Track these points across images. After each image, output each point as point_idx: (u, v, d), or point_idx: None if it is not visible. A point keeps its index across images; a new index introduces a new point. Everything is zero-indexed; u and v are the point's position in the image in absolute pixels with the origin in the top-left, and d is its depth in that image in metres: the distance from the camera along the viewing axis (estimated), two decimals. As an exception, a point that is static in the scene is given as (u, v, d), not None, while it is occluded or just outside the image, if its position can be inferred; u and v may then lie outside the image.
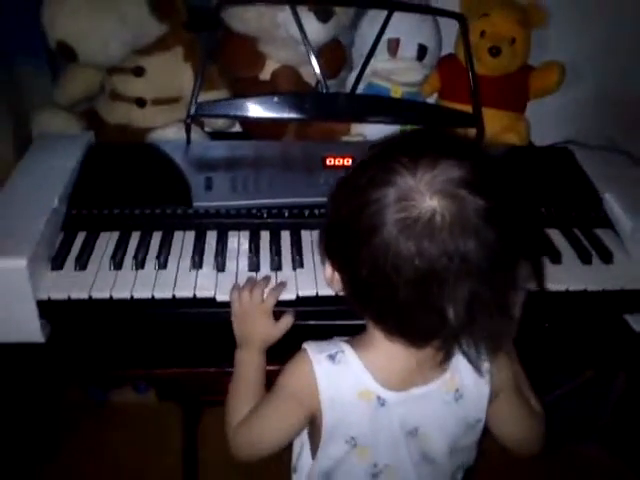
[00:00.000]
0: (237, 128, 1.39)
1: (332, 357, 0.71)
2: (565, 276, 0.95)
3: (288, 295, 0.89)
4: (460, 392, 0.72)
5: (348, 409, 0.71)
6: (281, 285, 0.89)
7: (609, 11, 1.40)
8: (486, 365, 0.71)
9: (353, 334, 0.75)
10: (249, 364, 0.84)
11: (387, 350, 0.69)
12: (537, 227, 0.94)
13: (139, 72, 1.24)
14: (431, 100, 1.42)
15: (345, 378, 0.70)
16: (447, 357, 0.67)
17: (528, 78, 1.36)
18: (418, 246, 0.58)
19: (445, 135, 0.68)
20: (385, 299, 0.62)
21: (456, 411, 0.73)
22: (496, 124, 1.33)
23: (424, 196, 0.58)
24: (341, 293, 0.70)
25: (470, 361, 0.66)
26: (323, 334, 0.80)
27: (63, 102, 1.30)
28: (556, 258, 0.97)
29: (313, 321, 0.92)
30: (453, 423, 0.74)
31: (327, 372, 0.70)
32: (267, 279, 0.90)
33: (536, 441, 0.81)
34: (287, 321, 0.87)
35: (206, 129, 1.32)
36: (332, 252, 0.69)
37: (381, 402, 0.71)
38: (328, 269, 0.69)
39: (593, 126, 1.42)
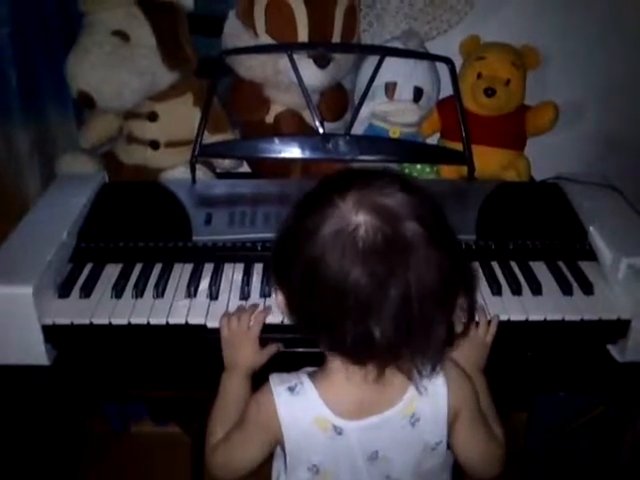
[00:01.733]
0: (246, 168, 1.47)
1: (291, 389, 0.75)
2: (545, 306, 0.97)
3: (274, 319, 0.94)
4: (416, 416, 0.74)
5: (307, 437, 0.75)
6: (267, 311, 0.94)
7: (603, 56, 1.45)
8: (442, 388, 0.74)
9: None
10: (233, 387, 0.88)
11: (343, 381, 0.73)
12: (463, 256, 0.93)
13: (153, 117, 1.33)
14: (432, 140, 1.47)
15: (302, 408, 0.74)
16: (379, 374, 0.70)
17: (524, 117, 1.40)
18: (347, 266, 0.62)
19: (371, 170, 0.72)
20: (318, 317, 0.66)
21: (413, 435, 0.75)
22: (495, 162, 1.37)
23: (353, 219, 0.62)
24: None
25: (410, 378, 0.70)
26: (306, 361, 0.84)
27: (86, 145, 1.40)
28: (537, 289, 1.00)
29: (301, 348, 0.96)
30: (412, 446, 0.76)
31: (286, 402, 0.74)
32: (255, 306, 0.95)
33: (493, 466, 0.82)
34: (271, 349, 0.93)
35: (218, 170, 1.40)
36: (281, 278, 0.72)
37: (338, 431, 0.74)
38: (279, 296, 0.74)
39: (591, 164, 1.46)
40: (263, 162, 1.38)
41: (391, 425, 0.74)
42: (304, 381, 0.76)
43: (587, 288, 1.00)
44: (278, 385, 0.76)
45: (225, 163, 1.37)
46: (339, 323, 0.65)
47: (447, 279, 0.64)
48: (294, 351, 0.95)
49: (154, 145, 1.35)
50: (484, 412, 0.82)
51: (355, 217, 0.62)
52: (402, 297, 0.62)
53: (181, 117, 1.35)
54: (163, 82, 1.30)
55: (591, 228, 1.08)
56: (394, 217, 0.62)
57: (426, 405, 0.74)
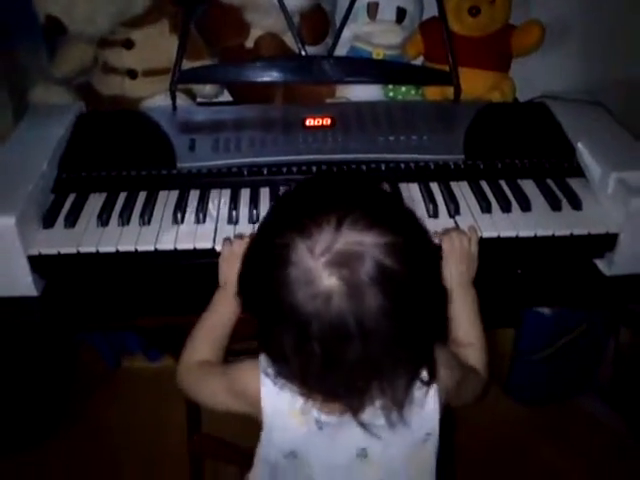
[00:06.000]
0: (227, 97, 1.43)
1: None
2: (534, 222, 0.98)
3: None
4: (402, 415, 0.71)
5: (285, 424, 0.73)
6: None
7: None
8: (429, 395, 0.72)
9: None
10: (225, 305, 0.87)
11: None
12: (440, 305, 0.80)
13: (129, 45, 1.28)
14: (417, 62, 1.44)
15: (285, 400, 0.72)
16: (356, 410, 0.68)
17: (510, 38, 1.37)
18: (319, 318, 0.59)
19: (352, 189, 0.66)
20: (291, 363, 0.64)
21: (394, 435, 0.72)
22: (480, 84, 1.34)
23: (322, 276, 0.59)
24: None
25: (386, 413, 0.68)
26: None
27: (59, 76, 1.35)
28: (527, 206, 1.00)
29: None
30: (400, 443, 0.74)
31: (270, 392, 0.72)
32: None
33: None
34: None
35: (198, 100, 1.36)
36: (248, 311, 0.71)
37: (319, 425, 0.72)
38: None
39: (577, 83, 1.44)
40: (244, 88, 1.34)
41: (376, 421, 0.71)
42: None
43: (576, 204, 1.01)
44: (264, 372, 0.72)
45: (206, 90, 1.32)
46: (306, 368, 0.63)
47: (411, 336, 0.63)
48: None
49: (132, 74, 1.30)
50: (468, 327, 0.83)
51: (327, 281, 0.59)
52: (364, 346, 0.60)
53: (158, 45, 1.29)
54: (136, 6, 1.25)
55: (579, 145, 1.07)
56: (360, 281, 0.58)
57: (415, 401, 0.71)
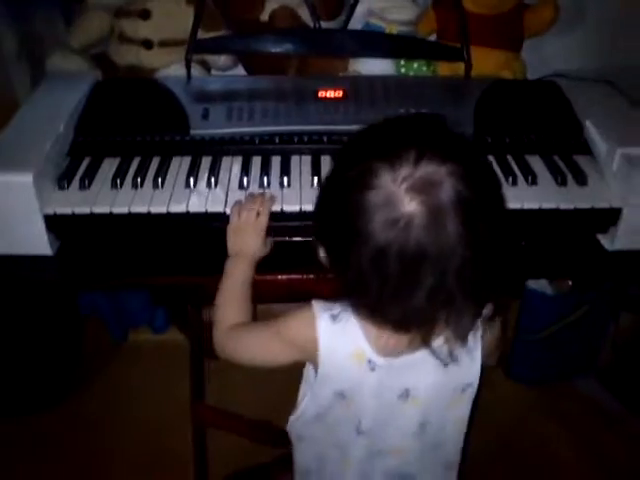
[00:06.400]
0: (240, 71, 1.45)
1: (334, 317, 0.76)
2: (540, 195, 0.99)
3: (274, 208, 0.95)
4: (450, 358, 0.75)
5: (340, 365, 0.77)
6: (273, 199, 0.95)
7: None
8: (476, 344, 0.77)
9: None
10: (240, 274, 0.90)
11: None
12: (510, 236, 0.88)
13: (145, 15, 1.31)
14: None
15: (342, 337, 0.76)
16: (426, 340, 0.72)
17: (523, 16, 1.38)
18: (397, 244, 0.62)
19: (427, 129, 0.69)
20: (365, 289, 0.67)
21: (444, 376, 0.77)
22: (491, 62, 1.36)
23: (404, 200, 0.61)
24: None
25: (444, 347, 0.73)
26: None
27: (76, 45, 1.37)
28: (533, 180, 1.02)
29: (298, 237, 0.99)
30: (443, 387, 0.79)
31: (327, 328, 0.76)
32: (262, 195, 0.96)
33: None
34: (271, 242, 0.95)
35: (212, 72, 1.38)
36: (323, 240, 0.74)
37: (371, 366, 0.76)
38: (321, 252, 0.74)
39: (590, 64, 1.45)
40: (258, 61, 1.36)
41: (424, 365, 0.76)
42: (347, 310, 0.75)
43: (581, 179, 1.02)
44: (322, 311, 0.77)
45: (220, 62, 1.34)
46: (391, 296, 0.66)
47: (482, 267, 0.65)
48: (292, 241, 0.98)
49: (147, 44, 1.33)
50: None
51: (408, 206, 0.62)
52: (440, 273, 0.63)
53: (174, 15, 1.32)
54: (155, -24, 1.27)
55: (587, 122, 1.09)
56: (441, 206, 0.62)
57: (461, 349, 0.75)
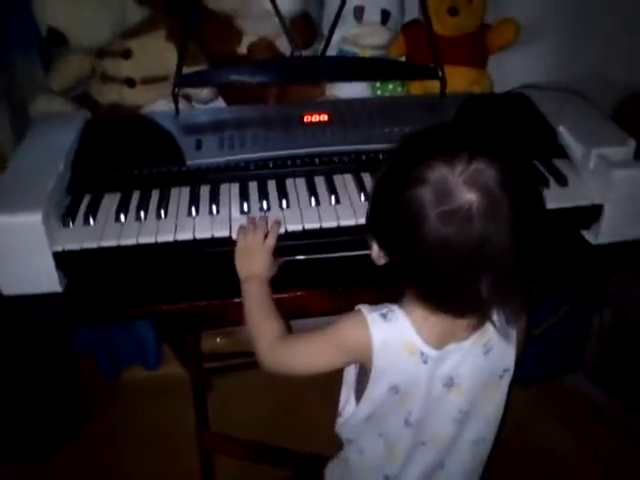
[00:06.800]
0: (220, 103, 1.49)
1: (384, 315, 0.80)
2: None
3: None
4: (489, 346, 0.82)
5: (395, 360, 0.80)
6: (278, 224, 0.99)
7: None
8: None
9: (339, 267, 0.91)
10: (259, 293, 0.93)
11: (426, 313, 0.79)
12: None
13: (127, 54, 1.34)
14: (399, 63, 1.52)
15: (395, 332, 0.80)
16: (480, 323, 0.79)
17: (485, 36, 1.46)
18: (458, 233, 0.68)
19: (476, 133, 0.77)
20: (430, 280, 0.73)
21: (486, 362, 0.83)
22: (462, 80, 1.44)
23: (462, 190, 0.68)
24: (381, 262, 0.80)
25: (497, 329, 0.78)
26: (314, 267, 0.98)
27: (57, 87, 1.40)
28: (544, 184, 1.08)
29: (301, 256, 1.02)
30: (482, 373, 0.84)
31: (379, 326, 0.80)
32: (265, 218, 0.99)
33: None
34: (279, 262, 0.98)
35: (193, 104, 1.42)
36: (379, 236, 0.79)
37: (424, 358, 0.80)
38: (375, 248, 0.80)
39: (551, 76, 1.54)
40: (237, 92, 1.41)
41: (466, 354, 0.81)
42: (394, 309, 0.81)
43: (562, 180, 1.09)
44: (371, 312, 0.81)
45: (202, 95, 1.38)
46: (453, 285, 0.72)
47: (533, 245, 0.73)
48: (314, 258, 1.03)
49: (130, 82, 1.36)
50: None
51: (466, 195, 0.68)
52: (504, 259, 0.69)
53: (155, 53, 1.36)
54: (133, 17, 1.31)
55: (560, 128, 1.16)
56: (495, 197, 0.68)
57: (497, 337, 0.81)
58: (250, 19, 1.36)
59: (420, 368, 0.81)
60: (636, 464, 1.64)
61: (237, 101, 1.43)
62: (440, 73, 1.26)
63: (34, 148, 1.12)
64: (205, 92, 1.38)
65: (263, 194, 1.06)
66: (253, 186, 1.09)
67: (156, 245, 0.98)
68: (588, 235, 1.09)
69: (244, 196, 1.06)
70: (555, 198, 1.05)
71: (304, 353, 0.87)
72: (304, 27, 1.41)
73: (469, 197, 0.67)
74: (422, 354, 0.80)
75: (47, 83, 1.41)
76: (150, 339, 1.87)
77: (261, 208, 1.04)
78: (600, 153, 1.06)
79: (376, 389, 0.83)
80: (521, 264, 0.71)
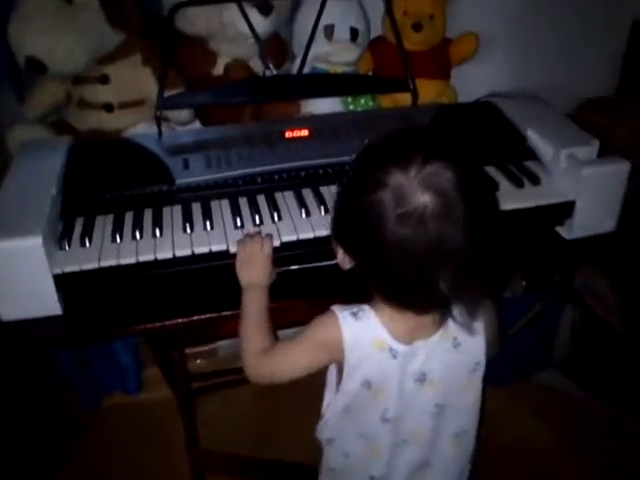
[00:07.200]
0: (197, 124, 1.52)
1: (354, 314, 0.85)
2: (503, 199, 1.11)
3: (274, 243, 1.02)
4: (458, 340, 0.86)
5: (365, 355, 0.85)
6: (271, 235, 1.02)
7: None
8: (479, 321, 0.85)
9: (334, 274, 0.91)
10: (258, 302, 0.96)
11: (393, 311, 0.83)
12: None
13: (104, 80, 1.36)
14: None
15: (364, 330, 0.84)
16: (442, 319, 0.83)
17: (448, 49, 1.54)
18: (414, 234, 0.72)
19: (429, 137, 0.83)
20: (392, 279, 0.78)
21: (456, 357, 0.87)
22: (429, 92, 1.50)
23: (416, 193, 0.72)
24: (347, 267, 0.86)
25: (458, 322, 0.82)
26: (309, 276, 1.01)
27: (32, 116, 1.41)
28: (495, 186, 1.14)
29: (295, 265, 1.06)
30: (455, 368, 0.88)
31: (349, 324, 0.84)
32: (261, 233, 1.03)
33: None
34: (277, 269, 1.01)
35: (172, 126, 1.44)
36: (343, 241, 0.84)
37: (393, 354, 0.84)
38: (340, 253, 0.85)
39: (508, 85, 1.63)
40: (213, 113, 1.44)
41: (436, 348, 0.86)
42: (365, 308, 0.86)
43: (535, 180, 1.16)
44: (342, 311, 0.86)
45: (181, 117, 1.41)
46: (413, 283, 0.76)
47: (488, 242, 0.77)
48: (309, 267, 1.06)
49: (108, 108, 1.38)
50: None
51: (421, 197, 0.72)
52: (460, 256, 0.74)
53: (132, 77, 1.38)
54: (110, 43, 1.33)
55: (528, 132, 1.23)
56: (449, 197, 0.72)
57: (464, 330, 0.84)
58: (224, 41, 1.39)
59: (390, 363, 0.85)
60: (613, 454, 1.72)
61: (213, 122, 1.46)
62: (411, 85, 1.32)
63: (23, 174, 1.13)
64: (184, 114, 1.40)
65: (254, 208, 1.10)
66: (243, 201, 1.12)
67: (156, 262, 1.01)
68: (562, 231, 1.16)
69: (236, 211, 1.09)
70: (530, 197, 1.13)
71: (289, 362, 0.91)
72: (276, 47, 1.46)
73: (423, 199, 0.72)
74: (391, 349, 0.84)
75: (22, 112, 1.42)
76: (130, 364, 1.86)
77: (254, 221, 1.07)
78: (569, 153, 1.13)
79: (350, 383, 0.87)
80: (477, 261, 0.75)
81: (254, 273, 0.98)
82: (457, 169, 0.74)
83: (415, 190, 0.72)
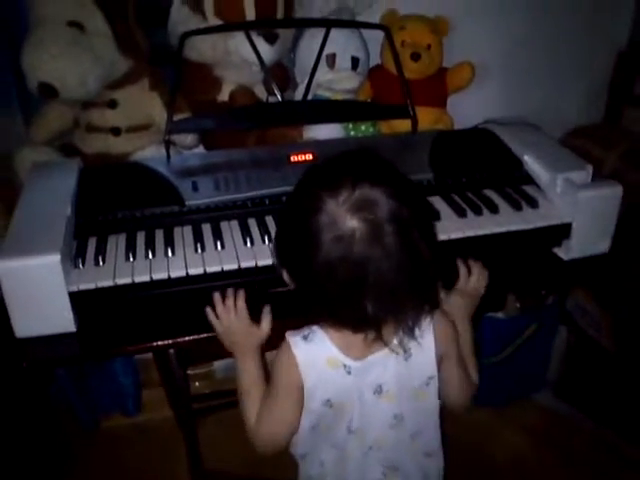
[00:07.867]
0: (201, 148, 1.55)
1: (305, 337, 0.88)
2: (503, 221, 1.16)
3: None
4: (408, 353, 0.88)
5: (321, 375, 0.87)
6: (241, 290, 0.99)
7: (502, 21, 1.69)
8: (428, 332, 0.89)
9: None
10: (250, 370, 0.97)
11: (335, 331, 0.87)
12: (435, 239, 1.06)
13: (113, 105, 1.39)
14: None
15: (317, 350, 0.87)
16: (377, 338, 0.83)
17: (445, 78, 1.60)
18: (341, 258, 0.75)
19: (360, 160, 0.83)
20: (322, 299, 0.81)
21: (408, 369, 0.89)
22: (426, 119, 1.55)
23: (345, 218, 0.75)
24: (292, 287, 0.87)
25: (399, 339, 0.85)
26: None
27: (39, 139, 1.43)
28: (494, 209, 1.19)
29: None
30: (409, 378, 0.90)
31: (302, 349, 0.87)
32: (230, 290, 0.99)
33: (465, 400, 1.00)
34: (268, 319, 0.98)
35: (178, 149, 1.48)
36: (285, 264, 0.87)
37: (347, 370, 0.87)
38: (285, 274, 0.87)
39: (500, 113, 1.69)
40: (218, 138, 1.48)
41: (388, 362, 0.88)
42: (315, 329, 0.89)
43: (533, 203, 1.20)
44: (293, 336, 0.89)
45: (187, 141, 1.44)
46: (343, 304, 0.79)
47: (418, 267, 0.78)
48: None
49: (115, 131, 1.41)
50: (464, 357, 0.98)
51: (349, 222, 0.75)
52: (383, 278, 0.76)
53: (139, 102, 1.42)
54: (120, 69, 1.37)
55: (525, 157, 1.28)
56: (376, 222, 0.75)
57: (415, 345, 0.88)
58: (229, 68, 1.44)
59: (346, 379, 0.88)
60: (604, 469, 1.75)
61: (217, 146, 1.50)
62: (411, 112, 1.37)
63: (37, 194, 1.15)
64: (190, 138, 1.44)
65: (264, 228, 1.13)
66: (252, 222, 1.16)
67: (169, 280, 1.03)
68: (560, 252, 1.20)
69: (246, 231, 1.12)
70: (529, 219, 1.17)
71: (274, 414, 0.92)
72: (279, 74, 1.50)
73: (352, 224, 0.75)
74: (345, 366, 0.87)
75: (29, 135, 1.44)
76: (129, 385, 1.86)
77: (263, 240, 1.10)
78: (565, 177, 1.18)
79: (312, 403, 0.90)
80: (411, 282, 0.77)
81: (239, 339, 0.98)
82: (387, 192, 0.76)
83: (344, 215, 0.75)
